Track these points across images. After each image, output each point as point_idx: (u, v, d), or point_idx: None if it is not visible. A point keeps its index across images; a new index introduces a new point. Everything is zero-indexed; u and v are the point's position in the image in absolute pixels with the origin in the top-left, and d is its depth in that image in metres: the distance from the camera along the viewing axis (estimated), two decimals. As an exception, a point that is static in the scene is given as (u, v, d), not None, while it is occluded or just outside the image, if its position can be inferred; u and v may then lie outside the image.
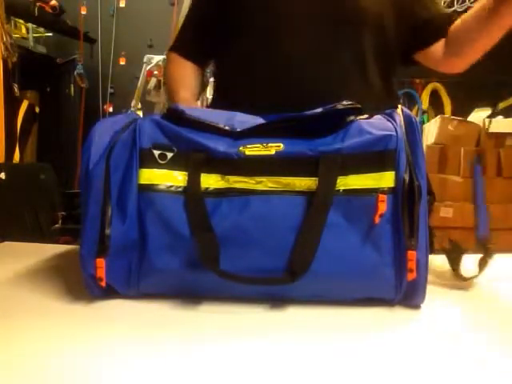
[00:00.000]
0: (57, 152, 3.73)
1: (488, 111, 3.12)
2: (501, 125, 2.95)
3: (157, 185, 0.57)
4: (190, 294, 0.58)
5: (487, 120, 2.93)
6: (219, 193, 0.56)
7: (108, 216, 0.56)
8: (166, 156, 0.58)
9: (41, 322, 0.52)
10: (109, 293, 0.58)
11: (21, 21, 3.45)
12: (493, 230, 2.89)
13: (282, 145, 0.56)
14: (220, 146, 0.57)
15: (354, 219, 0.55)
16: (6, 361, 0.44)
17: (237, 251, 0.54)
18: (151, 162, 0.57)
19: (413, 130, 0.56)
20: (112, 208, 0.56)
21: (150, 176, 0.57)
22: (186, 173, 0.57)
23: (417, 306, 0.57)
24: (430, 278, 0.55)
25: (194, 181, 0.56)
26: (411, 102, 3.73)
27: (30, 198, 2.43)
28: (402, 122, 0.57)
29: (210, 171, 0.57)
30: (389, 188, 0.54)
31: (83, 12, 4.01)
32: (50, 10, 3.48)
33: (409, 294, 0.56)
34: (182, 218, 0.55)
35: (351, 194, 0.55)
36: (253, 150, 0.56)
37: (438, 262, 0.71)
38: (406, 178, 0.54)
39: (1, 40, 2.56)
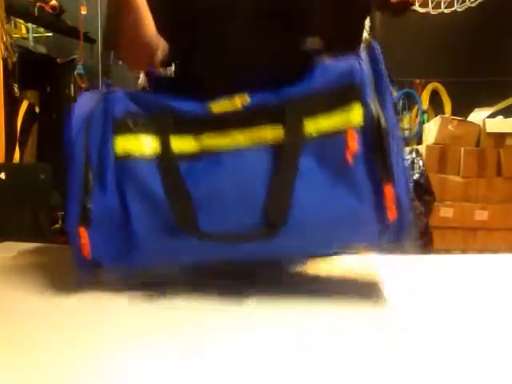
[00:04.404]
0: (57, 152, 3.72)
1: (488, 111, 3.12)
2: (501, 125, 2.95)
3: (132, 152, 0.57)
4: (174, 262, 0.58)
5: (487, 120, 2.93)
6: (192, 156, 0.57)
7: (90, 187, 0.56)
8: (138, 123, 0.58)
9: (40, 322, 0.53)
10: (96, 267, 0.58)
11: (21, 21, 3.45)
12: (493, 230, 2.89)
13: (248, 98, 0.57)
14: (188, 106, 0.58)
15: (327, 162, 0.54)
16: (6, 361, 0.44)
17: (214, 212, 0.54)
18: (125, 130, 0.58)
19: (376, 61, 0.55)
20: (93, 179, 0.56)
21: (124, 144, 0.57)
22: (159, 137, 0.57)
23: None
24: (427, 279, 0.54)
25: (165, 144, 0.57)
26: (411, 102, 3.74)
27: (29, 198, 2.42)
28: (366, 55, 0.56)
29: (180, 132, 0.57)
30: (358, 125, 0.54)
31: (83, 12, 3.99)
32: (49, 10, 3.47)
33: (395, 237, 0.54)
34: (158, 183, 0.55)
35: (322, 138, 0.54)
36: (220, 106, 0.57)
37: (438, 262, 0.71)
38: (375, 113, 0.53)
39: (1, 40, 2.56)
